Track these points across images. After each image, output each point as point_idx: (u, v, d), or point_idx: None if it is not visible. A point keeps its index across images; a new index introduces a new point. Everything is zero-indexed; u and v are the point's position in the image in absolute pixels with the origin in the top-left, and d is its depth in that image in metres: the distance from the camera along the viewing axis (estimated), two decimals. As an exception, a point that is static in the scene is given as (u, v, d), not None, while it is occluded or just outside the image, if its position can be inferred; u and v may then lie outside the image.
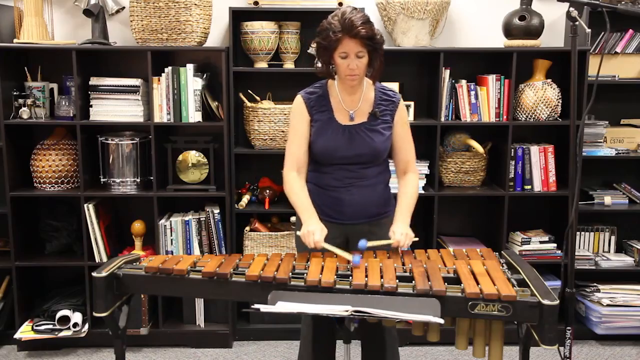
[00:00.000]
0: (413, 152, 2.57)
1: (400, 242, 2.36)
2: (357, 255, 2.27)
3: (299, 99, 2.50)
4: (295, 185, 2.48)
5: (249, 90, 3.55)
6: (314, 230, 2.35)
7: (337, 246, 2.41)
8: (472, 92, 3.43)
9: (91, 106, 3.36)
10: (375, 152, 2.47)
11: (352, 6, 2.36)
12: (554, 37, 3.62)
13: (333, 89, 2.49)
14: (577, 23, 2.34)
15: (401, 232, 2.38)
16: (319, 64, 2.46)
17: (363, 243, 2.35)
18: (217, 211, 3.45)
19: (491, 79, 3.42)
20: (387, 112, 2.48)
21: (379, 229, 2.51)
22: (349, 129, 2.44)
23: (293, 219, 3.50)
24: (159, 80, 3.31)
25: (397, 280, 2.11)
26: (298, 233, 2.43)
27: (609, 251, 3.67)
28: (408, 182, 2.54)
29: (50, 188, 3.39)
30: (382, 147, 2.47)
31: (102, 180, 3.43)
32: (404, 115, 2.54)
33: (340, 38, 2.28)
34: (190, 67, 3.30)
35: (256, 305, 1.98)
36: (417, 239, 2.43)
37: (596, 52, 3.48)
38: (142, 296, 3.39)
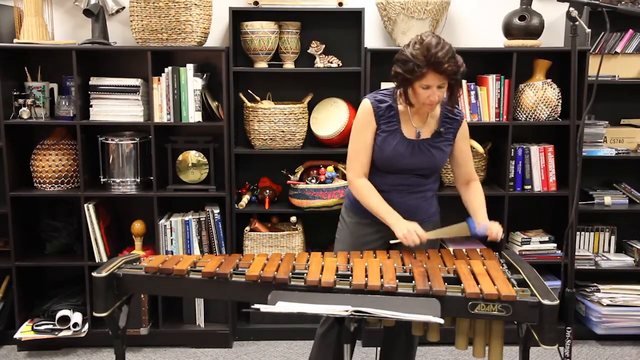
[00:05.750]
0: (473, 165, 2.63)
1: (499, 233, 2.43)
2: (476, 224, 2.45)
3: (367, 105, 2.46)
4: (368, 190, 2.48)
5: (249, 90, 3.55)
6: (414, 228, 2.37)
7: (379, 248, 2.50)
8: (472, 92, 3.43)
9: (91, 106, 3.36)
10: (435, 167, 2.51)
11: (436, 35, 2.28)
12: (554, 37, 3.62)
13: (402, 101, 2.45)
14: (577, 23, 2.34)
15: (497, 225, 2.44)
16: (397, 89, 2.42)
17: (481, 228, 2.44)
18: (217, 211, 3.45)
19: (491, 79, 3.42)
20: (450, 130, 2.50)
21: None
22: (413, 144, 2.45)
23: (293, 219, 3.51)
24: (159, 80, 3.31)
25: (397, 280, 2.11)
26: (394, 241, 2.41)
27: (609, 251, 3.67)
28: (476, 189, 2.60)
29: (50, 188, 3.39)
30: (441, 164, 2.52)
31: (102, 180, 3.43)
32: (466, 132, 2.57)
33: (424, 73, 2.26)
34: (190, 67, 3.30)
35: (256, 305, 1.97)
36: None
37: (596, 52, 3.48)
38: (142, 296, 3.39)
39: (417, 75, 2.26)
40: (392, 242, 2.42)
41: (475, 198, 2.57)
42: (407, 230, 2.35)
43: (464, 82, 3.42)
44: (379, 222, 2.47)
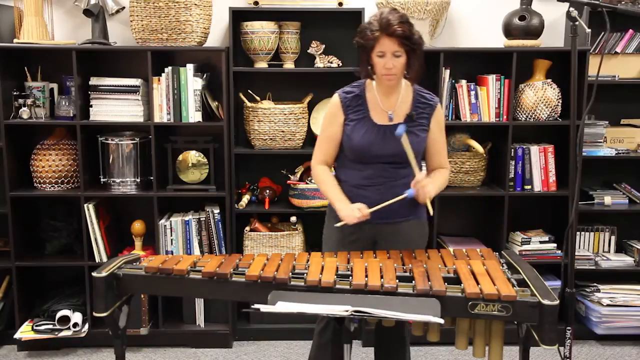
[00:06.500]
0: (446, 156, 2.60)
1: (424, 184, 2.34)
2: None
3: (335, 98, 2.51)
4: (324, 176, 2.54)
5: (249, 90, 3.55)
6: (352, 207, 2.39)
7: (364, 247, 2.48)
8: (472, 92, 3.43)
9: (91, 106, 3.36)
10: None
11: (393, 7, 2.35)
12: (554, 37, 3.62)
13: (371, 88, 2.48)
14: (577, 23, 2.34)
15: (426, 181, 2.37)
16: (360, 65, 2.45)
17: (401, 129, 2.33)
18: (217, 211, 3.45)
19: (491, 79, 3.42)
20: (424, 115, 2.48)
21: (405, 230, 2.52)
22: (384, 129, 2.44)
23: (293, 219, 3.50)
24: (159, 80, 3.31)
25: (397, 280, 2.11)
26: (338, 224, 2.41)
27: (609, 251, 3.66)
28: (439, 171, 2.57)
29: (50, 188, 3.39)
30: (415, 149, 2.45)
31: (102, 180, 3.43)
32: (441, 119, 2.54)
33: (377, 37, 2.29)
34: (190, 67, 3.30)
35: (256, 305, 1.97)
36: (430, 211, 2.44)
37: (596, 52, 3.48)
38: (142, 296, 3.39)
39: (371, 39, 2.30)
40: (336, 225, 2.42)
41: (434, 175, 2.54)
42: (350, 210, 2.38)
43: (463, 82, 3.42)
44: (362, 222, 2.43)
